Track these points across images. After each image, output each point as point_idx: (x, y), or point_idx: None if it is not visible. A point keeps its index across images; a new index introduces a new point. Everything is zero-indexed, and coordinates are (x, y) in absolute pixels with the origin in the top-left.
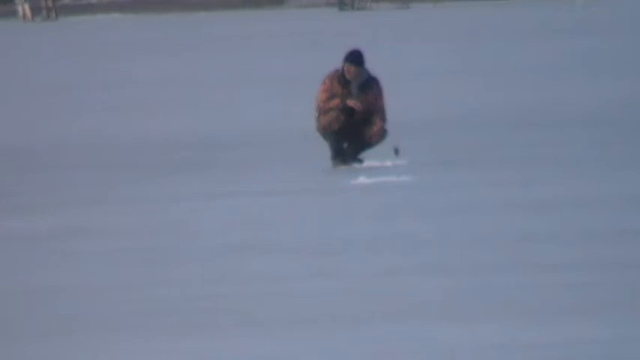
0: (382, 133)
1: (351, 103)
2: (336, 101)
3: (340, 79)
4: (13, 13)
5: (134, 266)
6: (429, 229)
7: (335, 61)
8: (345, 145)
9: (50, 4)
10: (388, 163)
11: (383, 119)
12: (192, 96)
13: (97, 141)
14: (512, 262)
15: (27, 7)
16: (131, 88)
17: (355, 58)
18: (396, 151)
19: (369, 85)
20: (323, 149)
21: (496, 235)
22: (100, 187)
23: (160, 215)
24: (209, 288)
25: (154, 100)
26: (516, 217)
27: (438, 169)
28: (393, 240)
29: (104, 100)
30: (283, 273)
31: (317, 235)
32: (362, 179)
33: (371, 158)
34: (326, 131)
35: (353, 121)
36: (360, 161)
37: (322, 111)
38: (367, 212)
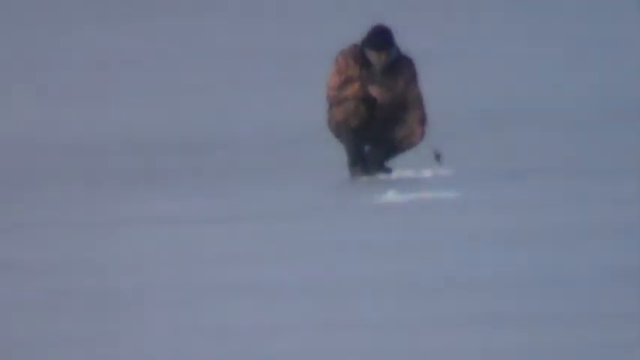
0: (418, 135)
1: (374, 91)
2: (353, 88)
3: (358, 57)
4: None
5: (72, 316)
6: (482, 267)
7: (358, 30)
8: (367, 148)
9: None
10: (426, 174)
11: (420, 116)
12: (154, 79)
13: (20, 138)
14: (595, 314)
15: None
16: (68, 70)
17: (379, 41)
18: (438, 157)
19: (399, 67)
20: (337, 154)
21: (575, 275)
22: (26, 202)
23: (112, 244)
24: (181, 345)
25: (98, 86)
26: (604, 250)
27: (496, 181)
28: (433, 282)
29: (29, 84)
30: (281, 324)
31: (327, 274)
32: (390, 196)
33: (403, 166)
34: (340, 129)
35: (377, 115)
36: (388, 171)
37: (335, 101)
38: (397, 243)
